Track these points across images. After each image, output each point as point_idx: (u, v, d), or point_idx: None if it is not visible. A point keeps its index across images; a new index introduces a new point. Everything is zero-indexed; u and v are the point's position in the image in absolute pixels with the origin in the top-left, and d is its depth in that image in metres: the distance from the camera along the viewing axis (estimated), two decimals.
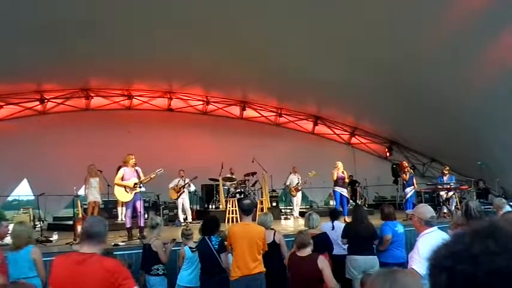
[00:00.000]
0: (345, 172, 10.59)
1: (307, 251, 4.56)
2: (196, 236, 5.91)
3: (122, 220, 10.49)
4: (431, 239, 3.65)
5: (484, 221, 0.80)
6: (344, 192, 10.52)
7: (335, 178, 10.39)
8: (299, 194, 12.93)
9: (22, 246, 4.54)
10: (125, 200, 8.22)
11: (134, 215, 8.24)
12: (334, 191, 10.60)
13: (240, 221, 6.09)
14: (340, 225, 6.63)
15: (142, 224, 8.02)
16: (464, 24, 8.63)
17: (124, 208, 9.72)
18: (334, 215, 6.91)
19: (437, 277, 0.76)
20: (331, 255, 5.76)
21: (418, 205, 4.25)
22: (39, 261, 4.56)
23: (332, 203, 16.64)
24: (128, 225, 8.09)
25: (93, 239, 2.79)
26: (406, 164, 11.19)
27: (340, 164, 10.52)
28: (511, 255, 0.70)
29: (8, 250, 4.53)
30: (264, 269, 4.88)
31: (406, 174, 10.81)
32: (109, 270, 2.65)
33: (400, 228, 6.29)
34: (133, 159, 8.21)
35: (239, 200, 9.26)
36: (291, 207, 13.26)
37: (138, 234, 7.95)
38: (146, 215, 10.19)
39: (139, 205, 8.11)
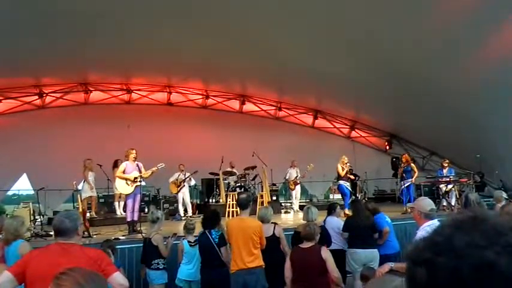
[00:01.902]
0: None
1: (311, 243, 4.57)
2: (197, 231, 5.92)
3: (120, 214, 10.55)
4: None
5: (466, 212, 0.76)
6: (348, 185, 10.57)
7: (343, 173, 10.39)
8: (298, 187, 12.93)
9: (10, 241, 4.47)
10: (125, 192, 8.28)
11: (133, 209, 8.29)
12: (339, 184, 10.58)
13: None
14: (332, 220, 6.61)
15: (135, 218, 8.12)
16: (465, 15, 8.55)
17: (122, 202, 9.78)
18: (329, 209, 6.89)
19: (416, 272, 0.69)
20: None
21: (418, 198, 4.26)
22: None
23: (332, 196, 16.73)
24: (129, 219, 8.14)
25: (64, 234, 2.83)
26: (405, 159, 11.19)
27: (347, 159, 10.57)
28: (499, 248, 0.64)
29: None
30: (262, 263, 4.90)
31: (401, 168, 10.92)
32: (92, 258, 2.76)
33: (388, 219, 6.58)
34: (134, 154, 8.26)
35: (239, 194, 9.30)
36: (291, 201, 13.27)
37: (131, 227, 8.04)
38: (146, 209, 10.25)
39: (137, 199, 8.19)
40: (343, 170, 10.40)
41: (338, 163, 10.56)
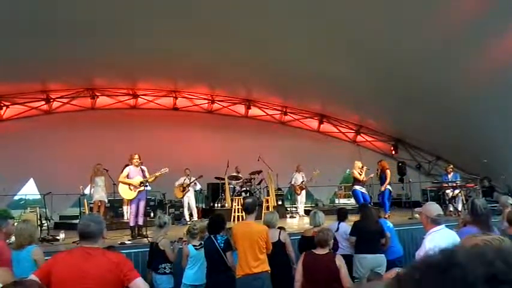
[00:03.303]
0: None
1: (326, 250, 4.55)
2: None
3: (127, 219, 10.57)
4: (439, 237, 3.64)
5: (439, 254, 0.71)
6: (364, 190, 10.52)
7: (361, 178, 10.33)
8: (303, 192, 12.93)
9: (24, 246, 4.46)
10: (128, 197, 8.30)
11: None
12: (354, 190, 10.48)
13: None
14: (342, 226, 6.60)
15: (141, 223, 8.12)
16: (465, 15, 8.53)
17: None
18: (342, 215, 6.87)
19: None
20: None
21: (426, 203, 4.25)
22: (41, 262, 4.50)
23: (337, 201, 16.67)
24: (132, 224, 8.14)
25: (89, 238, 2.86)
26: (381, 166, 11.10)
27: (361, 164, 10.52)
28: None
29: (12, 248, 4.50)
30: (268, 268, 4.88)
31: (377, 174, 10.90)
32: (114, 262, 2.78)
33: (390, 224, 6.68)
34: (136, 159, 8.26)
35: (244, 199, 9.29)
36: (296, 206, 13.25)
37: (136, 232, 8.04)
38: (152, 214, 10.26)
39: (142, 204, 8.18)
40: (360, 175, 10.35)
41: (353, 169, 10.46)
